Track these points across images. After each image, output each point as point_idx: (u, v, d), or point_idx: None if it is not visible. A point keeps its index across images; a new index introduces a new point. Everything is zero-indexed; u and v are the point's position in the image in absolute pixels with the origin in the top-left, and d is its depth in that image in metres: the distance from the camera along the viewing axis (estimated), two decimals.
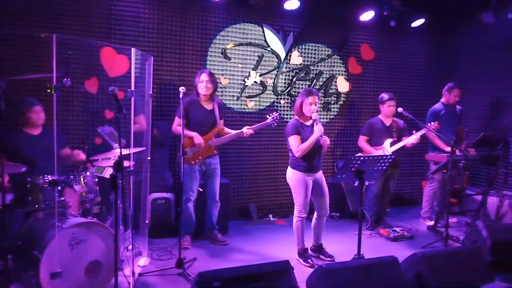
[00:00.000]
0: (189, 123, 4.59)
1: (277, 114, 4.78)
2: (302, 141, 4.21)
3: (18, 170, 3.54)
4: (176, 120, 4.68)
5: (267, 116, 4.78)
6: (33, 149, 3.99)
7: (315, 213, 4.48)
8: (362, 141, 5.45)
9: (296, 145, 4.21)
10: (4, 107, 2.78)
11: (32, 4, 4.61)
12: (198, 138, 4.53)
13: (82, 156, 4.21)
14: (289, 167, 4.38)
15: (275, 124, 4.77)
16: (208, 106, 4.69)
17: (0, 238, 3.33)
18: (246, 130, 4.65)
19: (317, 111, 4.26)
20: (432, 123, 5.23)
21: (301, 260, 4.39)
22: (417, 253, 3.39)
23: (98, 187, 4.06)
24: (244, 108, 5.78)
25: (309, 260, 4.34)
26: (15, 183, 3.52)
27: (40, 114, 4.10)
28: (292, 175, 4.33)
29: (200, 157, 4.60)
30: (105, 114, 4.99)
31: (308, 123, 4.33)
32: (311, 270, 3.46)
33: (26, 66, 4.59)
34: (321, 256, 4.51)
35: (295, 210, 4.36)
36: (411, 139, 5.15)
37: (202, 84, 4.58)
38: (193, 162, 4.57)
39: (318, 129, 4.12)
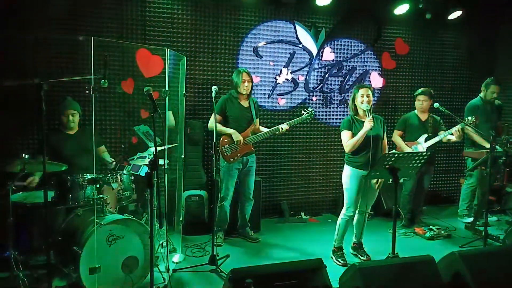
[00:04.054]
0: (226, 120, 4.65)
1: (312, 109, 4.85)
2: (353, 136, 4.19)
3: (59, 169, 3.69)
4: (213, 115, 4.71)
5: (303, 111, 4.83)
6: (70, 148, 4.15)
7: (356, 210, 4.42)
8: (395, 136, 5.36)
9: (345, 141, 4.23)
10: (45, 109, 2.89)
11: (69, 8, 4.76)
12: (237, 135, 4.57)
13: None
14: (345, 164, 4.36)
15: (310, 119, 4.82)
16: (245, 104, 4.74)
17: (43, 234, 3.49)
18: (285, 126, 4.69)
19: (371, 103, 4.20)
20: (470, 117, 5.06)
21: (333, 258, 4.37)
22: (454, 252, 3.30)
23: (134, 185, 4.18)
24: (276, 106, 5.78)
25: (340, 260, 4.32)
26: (56, 181, 3.66)
27: (73, 117, 4.22)
28: (345, 171, 4.33)
29: (239, 154, 4.64)
30: (141, 113, 5.12)
31: (364, 118, 4.23)
32: (344, 268, 3.43)
33: (65, 68, 4.77)
34: (359, 255, 4.47)
35: (344, 207, 4.33)
36: (447, 135, 5.01)
37: (244, 84, 4.63)
38: (231, 159, 4.61)
39: (366, 124, 4.05)
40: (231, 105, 4.67)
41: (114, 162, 4.14)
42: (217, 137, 4.18)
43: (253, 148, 4.77)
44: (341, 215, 4.35)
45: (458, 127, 4.95)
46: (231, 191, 4.76)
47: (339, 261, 4.31)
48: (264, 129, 4.80)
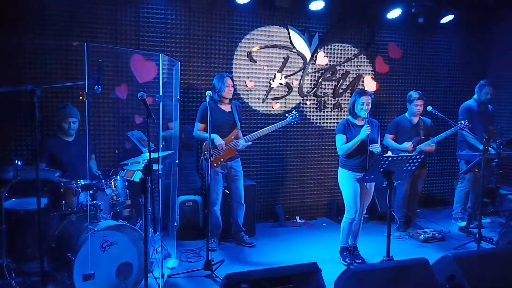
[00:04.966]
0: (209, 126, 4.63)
1: (297, 112, 4.85)
2: (348, 140, 4.23)
3: (52, 175, 3.67)
4: (196, 125, 4.73)
5: (287, 115, 4.85)
6: (66, 154, 4.13)
7: (357, 212, 4.43)
8: (387, 139, 5.36)
9: (339, 144, 4.29)
10: (39, 115, 2.88)
11: (63, 14, 4.76)
12: (218, 139, 4.57)
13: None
14: (339, 167, 4.40)
15: (295, 122, 4.82)
16: (227, 108, 4.74)
17: (36, 241, 3.46)
18: (243, 142, 4.67)
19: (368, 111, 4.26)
20: (463, 121, 5.09)
21: (341, 258, 4.44)
22: (448, 254, 3.31)
23: (128, 191, 4.16)
24: (270, 110, 5.79)
25: (347, 259, 4.38)
26: (49, 187, 3.64)
27: (74, 124, 4.20)
28: (340, 174, 4.38)
29: (222, 159, 4.64)
30: (135, 119, 5.11)
31: (360, 123, 4.31)
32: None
33: (58, 74, 4.76)
34: (354, 258, 4.47)
35: (345, 210, 4.36)
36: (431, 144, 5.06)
37: (229, 88, 4.66)
38: (215, 164, 4.60)
39: (363, 131, 4.12)
40: (212, 111, 4.65)
41: (100, 175, 4.09)
42: (211, 142, 4.18)
43: (237, 153, 4.76)
44: (343, 219, 4.39)
45: (451, 131, 5.03)
46: (220, 196, 4.75)
47: (345, 261, 4.37)
48: (240, 135, 4.77)
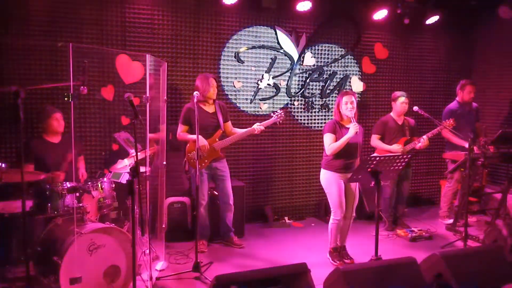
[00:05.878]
0: (192, 128, 4.60)
1: (281, 111, 4.83)
2: (337, 140, 4.21)
3: (37, 178, 3.61)
4: (180, 127, 4.69)
5: (271, 114, 4.83)
6: (53, 156, 4.07)
7: (343, 212, 4.44)
8: (375, 139, 5.37)
9: (328, 143, 4.25)
10: (23, 116, 2.83)
11: (48, 14, 4.70)
12: (201, 140, 4.53)
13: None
14: (321, 169, 4.39)
15: (280, 121, 4.79)
16: (210, 109, 4.71)
17: (21, 245, 3.41)
18: (257, 126, 4.66)
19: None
20: (447, 120, 5.15)
21: (330, 259, 4.43)
22: (436, 253, 3.34)
23: (115, 193, 4.12)
24: (258, 111, 5.78)
25: (336, 260, 4.37)
26: (35, 190, 3.58)
27: (61, 121, 4.18)
28: (324, 176, 4.36)
29: (206, 161, 4.61)
30: (121, 120, 5.06)
31: (347, 124, 4.29)
32: None
33: (43, 75, 4.70)
34: (342, 258, 4.48)
35: (331, 212, 4.35)
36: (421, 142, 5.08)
37: (213, 89, 4.64)
38: (199, 166, 4.58)
39: (352, 129, 4.10)
40: (195, 112, 4.63)
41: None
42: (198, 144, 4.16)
43: (222, 154, 4.74)
44: (330, 220, 4.38)
45: (436, 130, 5.06)
46: (206, 197, 4.72)
47: (334, 261, 4.38)
48: (238, 130, 4.79)
